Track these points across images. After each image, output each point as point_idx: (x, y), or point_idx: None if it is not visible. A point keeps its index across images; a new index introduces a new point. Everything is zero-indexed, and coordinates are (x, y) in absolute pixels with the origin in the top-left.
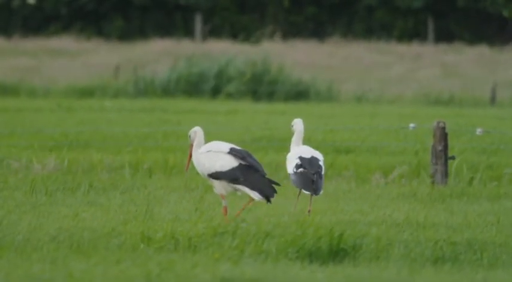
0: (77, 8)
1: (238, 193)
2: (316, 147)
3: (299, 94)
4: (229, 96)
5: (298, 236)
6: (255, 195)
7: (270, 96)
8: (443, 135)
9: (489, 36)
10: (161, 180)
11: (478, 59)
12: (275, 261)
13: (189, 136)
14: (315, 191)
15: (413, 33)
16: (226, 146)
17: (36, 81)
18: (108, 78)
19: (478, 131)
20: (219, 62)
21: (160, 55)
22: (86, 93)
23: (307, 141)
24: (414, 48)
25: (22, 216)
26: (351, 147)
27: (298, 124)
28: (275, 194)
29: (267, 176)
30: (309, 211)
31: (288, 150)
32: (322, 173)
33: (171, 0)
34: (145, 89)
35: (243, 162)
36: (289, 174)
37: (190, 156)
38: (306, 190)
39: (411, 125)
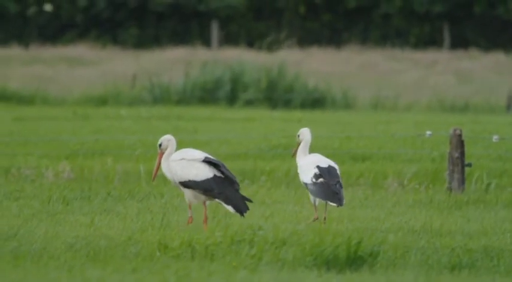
0: (93, 16)
1: (207, 202)
2: (332, 155)
3: (315, 102)
4: (245, 103)
5: (315, 244)
6: (230, 209)
7: (287, 103)
8: (459, 143)
9: (505, 43)
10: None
11: (493, 66)
12: (292, 269)
13: (160, 144)
14: (340, 201)
15: (429, 40)
16: (201, 155)
17: (52, 89)
18: (124, 86)
19: (494, 138)
20: (235, 69)
21: (176, 63)
22: (102, 101)
23: (323, 148)
24: (430, 55)
25: (39, 225)
26: (368, 155)
27: (305, 134)
28: (248, 210)
29: (239, 191)
30: (324, 219)
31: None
32: (341, 181)
33: (190, 7)
34: (161, 97)
35: (217, 174)
36: (306, 184)
37: (159, 164)
38: (331, 201)
39: (428, 132)
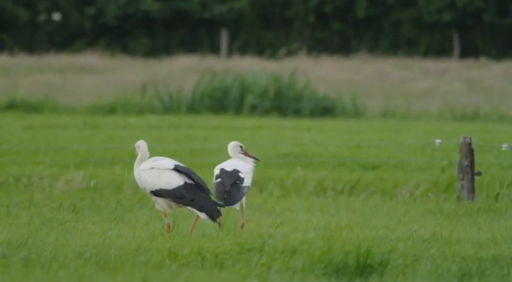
0: (102, 25)
1: (178, 209)
2: (342, 163)
3: (325, 110)
4: (255, 112)
5: (325, 252)
6: (203, 216)
7: (296, 112)
8: (469, 151)
9: None
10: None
11: (504, 74)
12: (302, 278)
13: (135, 148)
14: (226, 200)
15: (439, 49)
16: (170, 163)
17: (62, 98)
18: (134, 95)
19: (504, 146)
20: (244, 78)
21: (186, 72)
22: (111, 110)
23: (333, 157)
24: (440, 63)
25: (49, 233)
26: (377, 163)
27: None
28: (220, 216)
29: (211, 196)
30: (242, 225)
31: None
32: (243, 185)
33: (195, 15)
34: (170, 106)
35: (188, 181)
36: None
37: None
38: (218, 200)
39: (437, 140)
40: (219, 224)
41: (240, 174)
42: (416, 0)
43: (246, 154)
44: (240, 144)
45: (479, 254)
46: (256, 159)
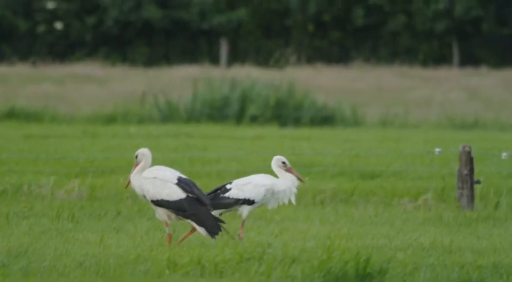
0: (102, 34)
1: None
2: (341, 172)
3: (324, 119)
4: (254, 121)
5: (324, 261)
6: (202, 231)
7: (296, 121)
8: (468, 160)
9: None
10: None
11: (503, 83)
12: None
13: (136, 156)
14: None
15: (438, 57)
16: (174, 175)
17: (61, 107)
18: (133, 104)
19: (504, 155)
20: (243, 87)
21: (186, 81)
22: (111, 119)
23: (332, 166)
24: (439, 72)
25: (48, 243)
26: (377, 172)
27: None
28: (219, 232)
29: (212, 211)
30: (239, 235)
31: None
32: (224, 195)
33: (194, 25)
34: (169, 115)
35: (190, 195)
36: None
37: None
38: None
39: (437, 149)
40: (228, 232)
41: (228, 185)
42: (410, 9)
43: (289, 170)
44: (283, 159)
45: (478, 262)
46: (300, 180)
